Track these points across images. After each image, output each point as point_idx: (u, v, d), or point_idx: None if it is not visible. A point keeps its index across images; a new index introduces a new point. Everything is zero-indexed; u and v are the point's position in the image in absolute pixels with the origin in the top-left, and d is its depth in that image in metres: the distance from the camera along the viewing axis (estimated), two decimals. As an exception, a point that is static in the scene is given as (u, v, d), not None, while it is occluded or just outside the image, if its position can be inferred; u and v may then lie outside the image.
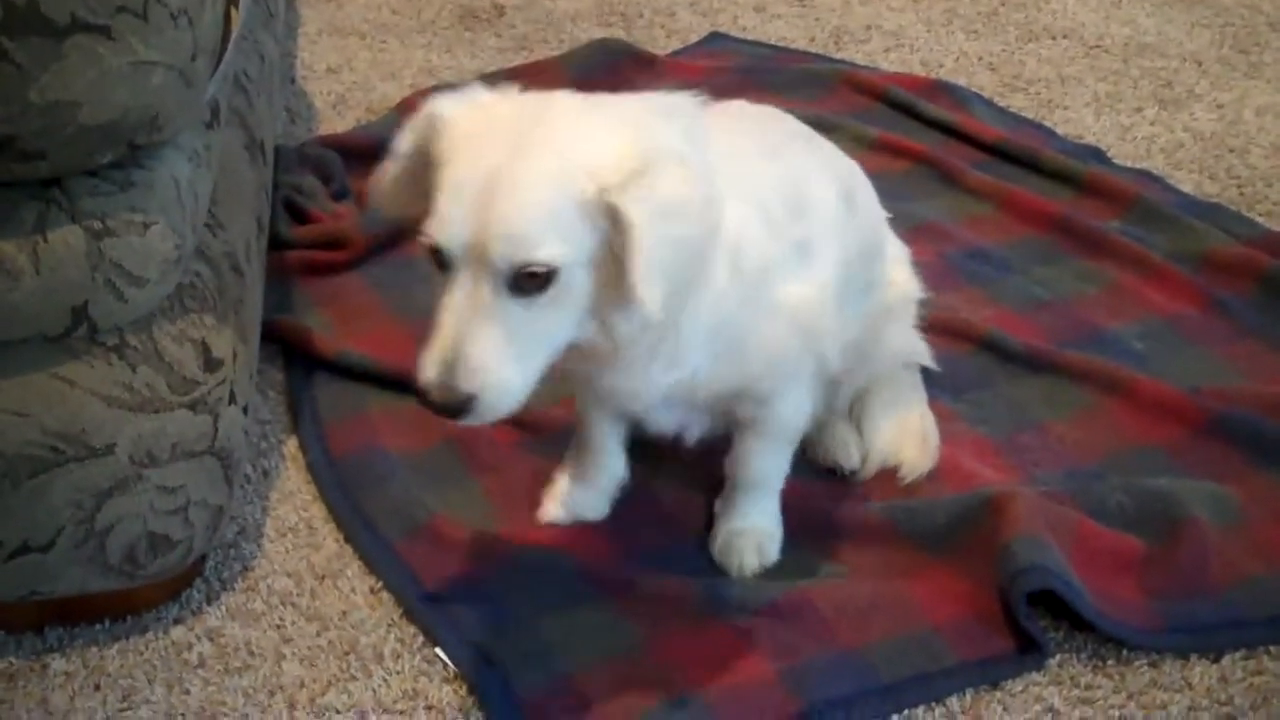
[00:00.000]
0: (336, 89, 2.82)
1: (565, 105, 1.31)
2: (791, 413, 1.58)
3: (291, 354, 2.00)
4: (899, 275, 1.79)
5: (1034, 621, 1.54)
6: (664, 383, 1.43)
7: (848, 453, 1.79)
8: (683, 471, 1.76)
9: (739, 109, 1.59)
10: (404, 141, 1.32)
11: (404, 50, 2.99)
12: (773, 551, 1.66)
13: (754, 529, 1.66)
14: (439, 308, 1.25)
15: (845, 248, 1.54)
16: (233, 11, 1.46)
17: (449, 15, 3.16)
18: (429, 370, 1.25)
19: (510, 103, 1.32)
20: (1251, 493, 1.72)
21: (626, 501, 1.72)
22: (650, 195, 1.22)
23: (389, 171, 1.34)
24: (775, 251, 1.42)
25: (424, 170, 1.28)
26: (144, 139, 1.35)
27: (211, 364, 1.48)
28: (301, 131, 2.65)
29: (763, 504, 1.67)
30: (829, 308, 1.49)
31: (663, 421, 1.59)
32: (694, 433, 1.62)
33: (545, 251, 1.21)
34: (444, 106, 1.30)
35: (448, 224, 1.22)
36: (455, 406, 1.25)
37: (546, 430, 1.82)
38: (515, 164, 1.22)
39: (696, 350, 1.41)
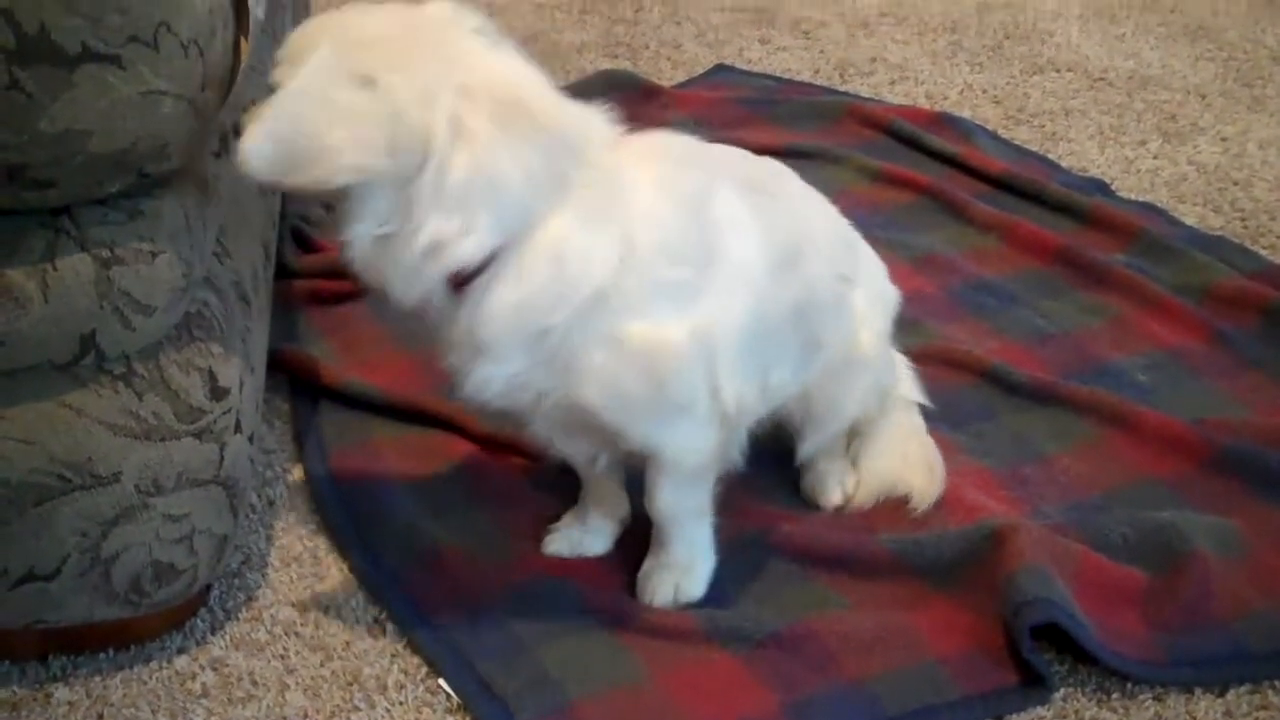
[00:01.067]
0: (343, 119, 2.83)
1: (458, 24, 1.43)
2: (678, 450, 1.55)
3: (297, 383, 2.01)
4: (868, 334, 1.73)
5: (1038, 654, 1.53)
6: (481, 372, 1.46)
7: (826, 489, 1.78)
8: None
9: (683, 144, 1.58)
10: None
11: (411, 81, 3.00)
12: (692, 589, 1.64)
13: (675, 565, 1.64)
14: None
15: (763, 306, 1.53)
16: (242, 42, 1.47)
17: (456, 46, 3.17)
18: None
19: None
20: (1255, 525, 1.71)
21: (629, 531, 1.73)
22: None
23: None
24: (627, 284, 1.42)
25: None
26: (153, 168, 1.35)
27: (218, 392, 1.48)
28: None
29: (684, 539, 1.64)
30: (708, 358, 1.48)
31: (561, 444, 1.59)
32: (602, 462, 1.62)
33: (280, 72, 1.37)
34: None
35: None
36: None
37: (553, 461, 1.82)
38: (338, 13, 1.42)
39: (508, 346, 1.43)
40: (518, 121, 1.37)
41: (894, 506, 1.76)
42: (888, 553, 1.67)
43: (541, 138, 1.39)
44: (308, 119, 1.32)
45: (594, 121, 1.47)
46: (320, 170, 1.33)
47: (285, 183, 1.38)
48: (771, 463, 1.81)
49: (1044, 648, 1.56)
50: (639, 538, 1.70)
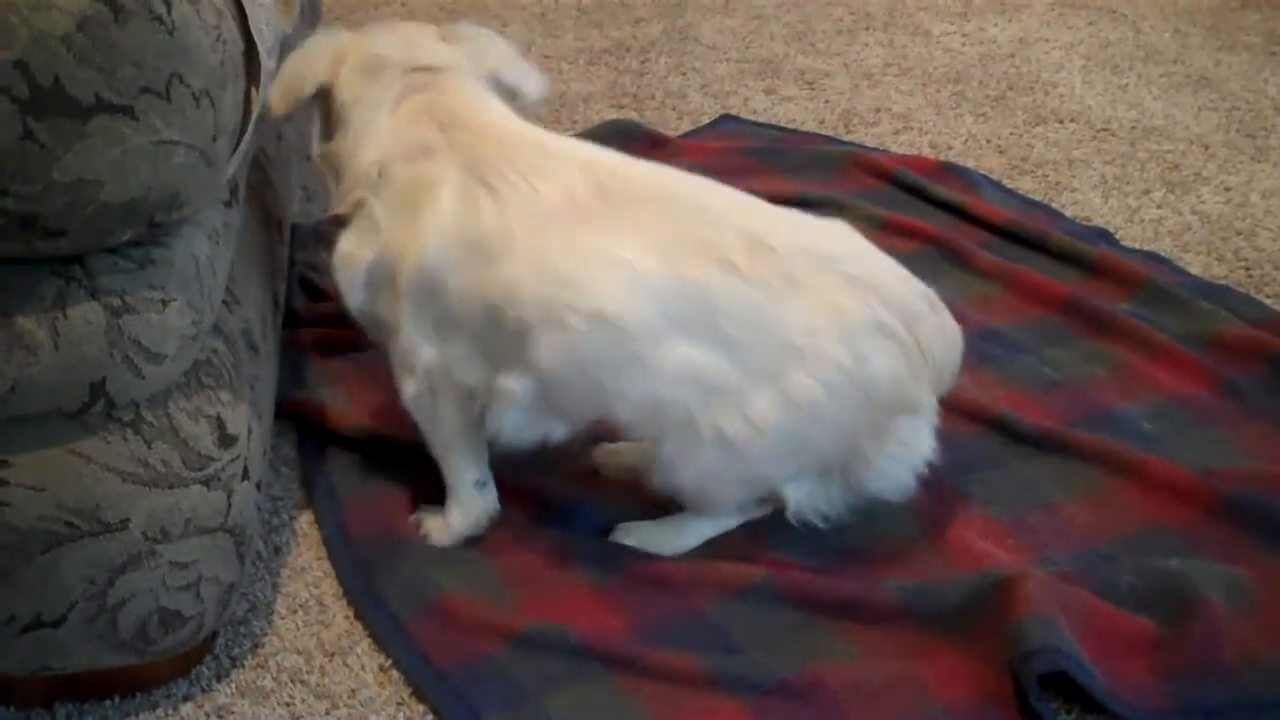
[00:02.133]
0: (352, 168, 2.84)
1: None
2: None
3: (305, 430, 2.01)
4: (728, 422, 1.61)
5: (1046, 703, 1.53)
6: None
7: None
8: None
9: (491, 118, 1.75)
10: None
11: (419, 131, 3.02)
12: (443, 532, 1.80)
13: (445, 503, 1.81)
14: None
15: (434, 281, 1.65)
16: (253, 92, 1.48)
17: (463, 96, 3.19)
18: None
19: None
20: (1264, 574, 1.71)
21: (632, 574, 1.72)
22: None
23: None
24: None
25: None
26: (164, 217, 1.37)
27: (226, 440, 1.49)
28: (317, 209, 2.68)
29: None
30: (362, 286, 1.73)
31: None
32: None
33: None
34: None
35: None
36: None
37: (559, 506, 1.82)
38: None
39: None
40: (371, 67, 1.74)
41: (906, 554, 1.76)
42: (895, 601, 1.67)
43: (372, 78, 1.74)
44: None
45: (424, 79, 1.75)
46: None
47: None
48: (777, 510, 1.82)
49: (1052, 696, 1.55)
50: (640, 579, 1.70)
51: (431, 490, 1.87)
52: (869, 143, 2.98)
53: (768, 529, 1.80)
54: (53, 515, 1.39)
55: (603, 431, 1.80)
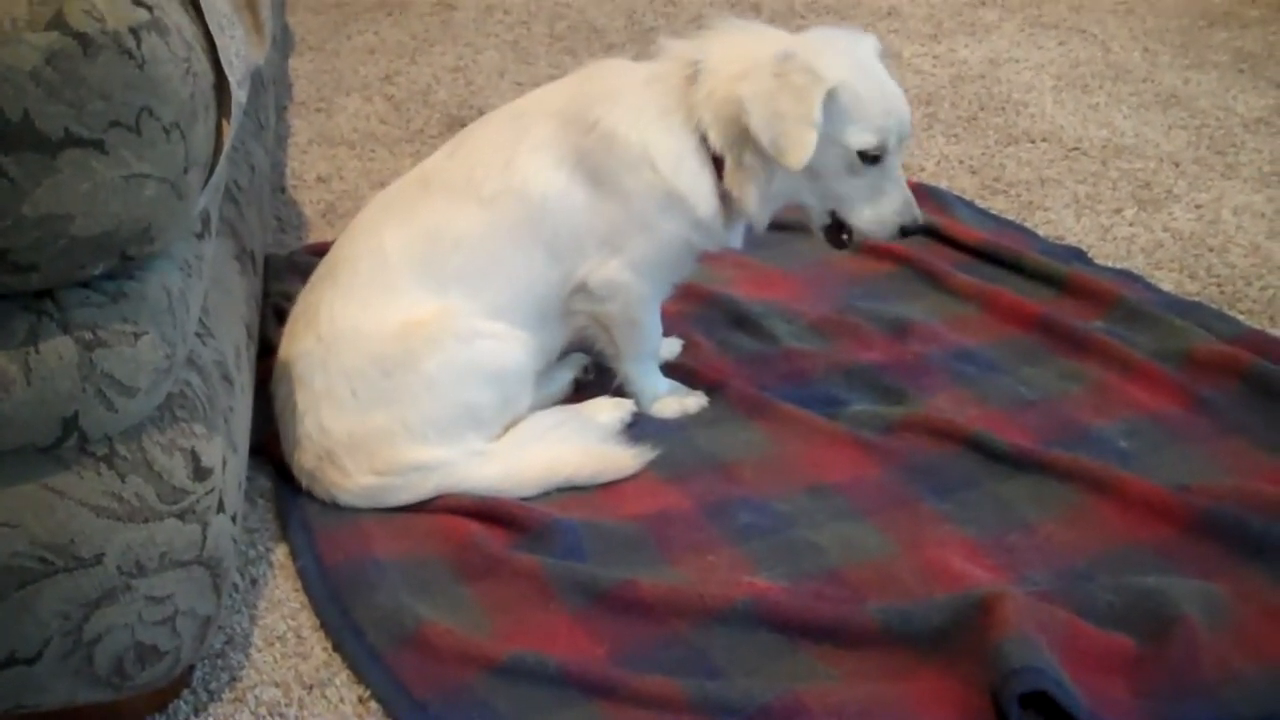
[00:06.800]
0: (326, 198, 2.85)
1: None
2: None
3: (280, 461, 2.00)
4: None
5: (1027, 723, 1.53)
6: None
7: None
8: (666, 569, 1.77)
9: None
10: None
11: (393, 159, 3.02)
12: None
13: None
14: (885, 177, 1.98)
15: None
16: (224, 124, 1.48)
17: (436, 124, 3.20)
18: (911, 212, 1.99)
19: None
20: (1240, 590, 1.72)
21: (611, 600, 1.71)
22: None
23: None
24: None
25: None
26: (136, 250, 1.36)
27: (201, 473, 1.48)
28: (292, 240, 2.68)
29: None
30: None
31: None
32: None
33: None
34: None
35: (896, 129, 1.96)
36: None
37: (534, 531, 1.82)
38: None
39: None
40: None
41: (885, 577, 1.76)
42: (875, 623, 1.67)
43: None
44: None
45: None
46: None
47: None
48: (756, 532, 1.82)
49: (1032, 716, 1.55)
50: (618, 604, 1.69)
51: (407, 520, 1.87)
52: (842, 165, 2.98)
53: (749, 552, 1.79)
54: (26, 551, 1.38)
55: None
